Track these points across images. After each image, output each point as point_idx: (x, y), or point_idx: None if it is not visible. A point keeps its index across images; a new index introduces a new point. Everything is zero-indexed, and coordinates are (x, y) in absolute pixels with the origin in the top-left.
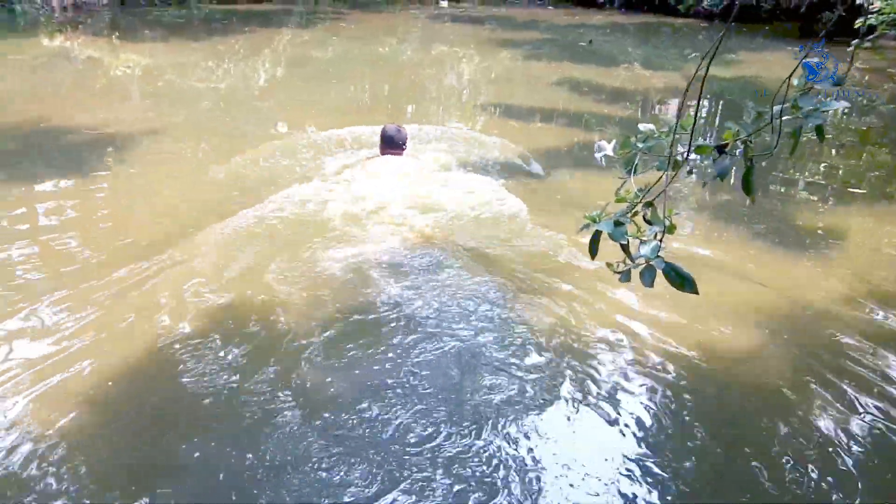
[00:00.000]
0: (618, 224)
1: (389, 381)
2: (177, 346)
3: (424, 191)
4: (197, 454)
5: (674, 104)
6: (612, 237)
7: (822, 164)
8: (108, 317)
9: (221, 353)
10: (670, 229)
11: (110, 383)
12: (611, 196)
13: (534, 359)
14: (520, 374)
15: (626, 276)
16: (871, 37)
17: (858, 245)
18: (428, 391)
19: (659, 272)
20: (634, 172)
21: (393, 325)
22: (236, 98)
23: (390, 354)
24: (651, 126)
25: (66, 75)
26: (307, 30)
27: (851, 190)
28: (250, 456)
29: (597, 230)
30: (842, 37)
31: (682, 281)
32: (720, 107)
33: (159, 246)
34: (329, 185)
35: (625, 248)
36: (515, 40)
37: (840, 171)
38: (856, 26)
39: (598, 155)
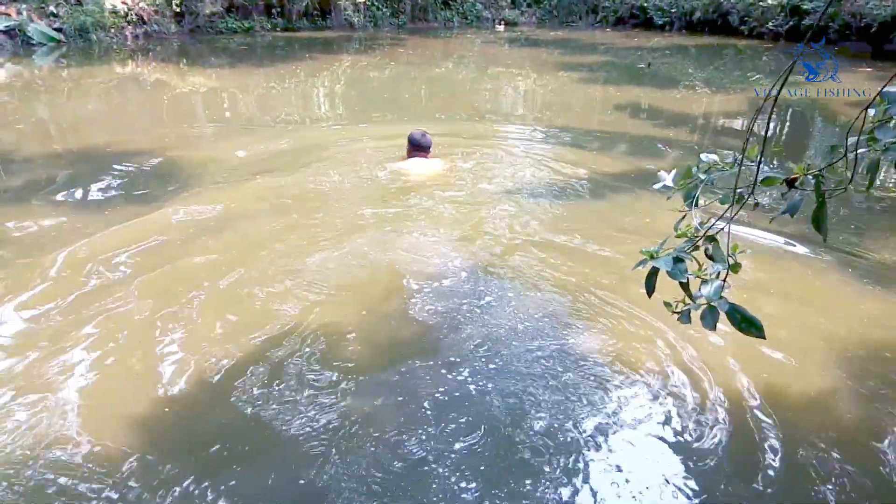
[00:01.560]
0: (677, 261)
1: (427, 401)
2: (220, 369)
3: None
4: (239, 483)
5: (736, 129)
6: (671, 275)
7: (892, 193)
8: (181, 337)
9: (271, 381)
10: (734, 268)
11: (166, 409)
12: (668, 228)
13: (578, 387)
14: (561, 400)
15: (685, 318)
16: None
17: None
18: (467, 421)
19: (722, 314)
20: (695, 205)
21: (433, 340)
22: (297, 120)
23: (430, 373)
24: (714, 156)
25: (136, 101)
26: (366, 55)
27: None
28: (293, 484)
29: (654, 266)
30: (825, 47)
31: (748, 324)
32: (786, 131)
33: (226, 267)
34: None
35: (685, 286)
36: (573, 63)
37: None
38: None
39: (656, 186)
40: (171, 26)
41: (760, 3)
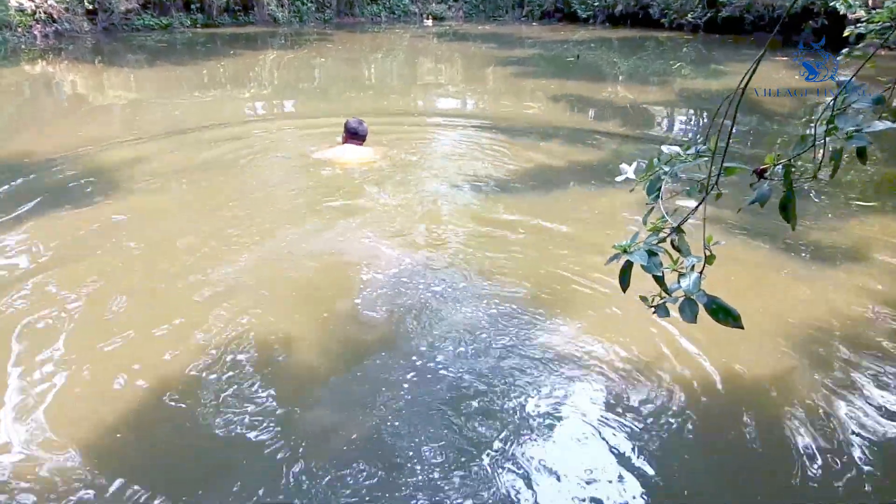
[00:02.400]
0: (651, 254)
1: (391, 402)
2: (187, 377)
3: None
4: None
5: (664, 117)
6: (645, 269)
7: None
8: (117, 352)
9: (224, 393)
10: (710, 260)
11: (117, 434)
12: (605, 216)
13: (546, 377)
14: (532, 389)
15: (663, 311)
16: (860, 45)
17: (872, 259)
18: (440, 422)
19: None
20: (658, 198)
21: (388, 338)
22: (222, 115)
23: (390, 372)
24: (676, 148)
25: (48, 104)
26: (292, 50)
27: (863, 203)
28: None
29: (628, 261)
30: (825, 46)
31: (726, 315)
32: (709, 119)
33: (153, 274)
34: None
35: (660, 280)
36: (503, 57)
37: (854, 185)
38: (845, 35)
39: (619, 178)
40: (83, 24)
41: None
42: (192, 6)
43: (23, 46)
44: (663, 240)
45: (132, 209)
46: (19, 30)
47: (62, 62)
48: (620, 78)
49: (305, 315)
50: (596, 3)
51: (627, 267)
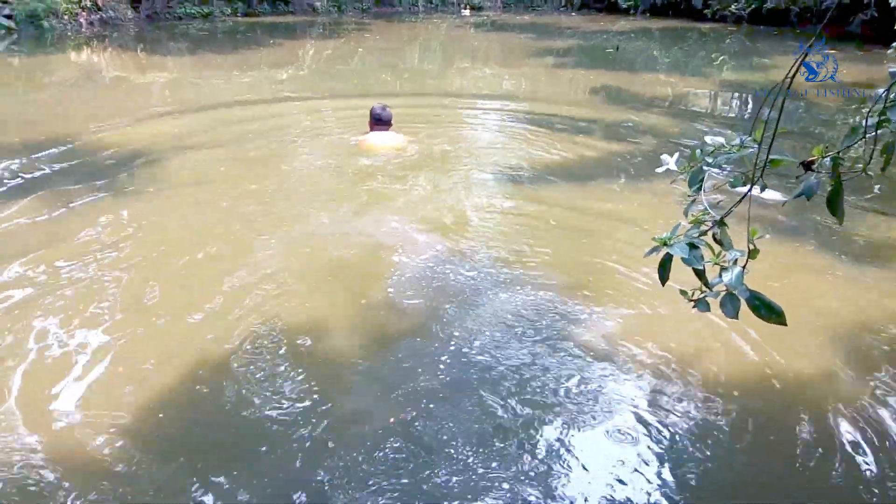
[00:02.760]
0: (692, 247)
1: (424, 389)
2: (221, 365)
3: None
4: (235, 486)
5: (705, 111)
6: (686, 262)
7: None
8: (151, 337)
9: (257, 377)
10: (753, 254)
11: (160, 415)
12: (645, 211)
13: (582, 366)
14: (567, 390)
15: (703, 306)
16: None
17: None
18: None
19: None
20: (701, 190)
21: (421, 325)
22: (262, 101)
23: (424, 360)
24: (719, 139)
25: (93, 91)
26: (331, 39)
27: None
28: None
29: (668, 253)
30: (873, 42)
31: (768, 311)
32: (750, 113)
33: (190, 259)
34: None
35: (701, 274)
36: (541, 48)
37: None
38: None
39: (659, 170)
40: (127, 12)
41: None
42: None
43: (69, 34)
44: (705, 233)
45: (170, 193)
46: (66, 17)
47: (106, 49)
48: (661, 69)
49: (339, 299)
50: None
51: (667, 260)
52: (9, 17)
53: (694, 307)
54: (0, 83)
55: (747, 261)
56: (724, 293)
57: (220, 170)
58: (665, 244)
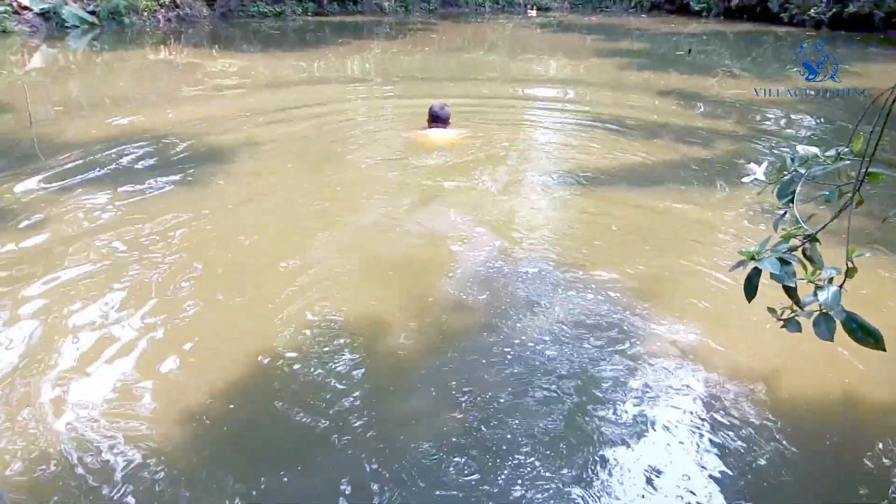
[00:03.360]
0: (783, 263)
1: (479, 388)
2: (276, 362)
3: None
4: (292, 479)
5: (778, 120)
6: (777, 279)
7: None
8: (210, 329)
9: (308, 374)
10: (850, 273)
11: (209, 399)
12: (719, 218)
13: (647, 374)
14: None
15: (794, 326)
16: None
17: None
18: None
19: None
20: (792, 202)
21: (481, 326)
22: (325, 110)
23: (479, 365)
24: (813, 149)
25: (169, 84)
26: (397, 40)
27: None
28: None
29: (755, 269)
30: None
31: (865, 334)
32: (833, 125)
33: (259, 258)
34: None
35: (791, 291)
36: (610, 49)
37: None
38: None
39: (746, 179)
40: (202, 10)
41: None
42: None
43: (147, 30)
44: (795, 248)
45: (236, 187)
46: (145, 14)
47: (182, 45)
48: (735, 74)
49: (398, 296)
50: None
51: (755, 275)
52: (92, 13)
53: (782, 326)
54: (83, 75)
55: (844, 279)
56: (817, 313)
57: (285, 165)
58: (753, 258)
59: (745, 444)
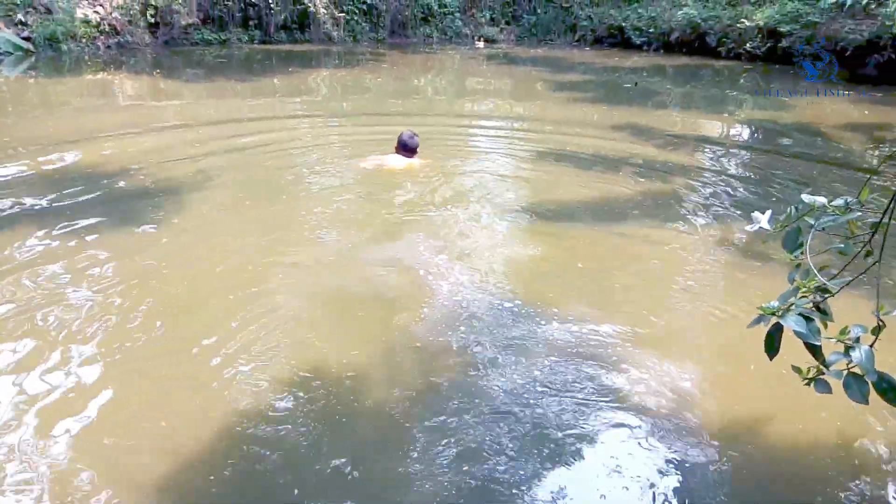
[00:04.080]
0: (807, 319)
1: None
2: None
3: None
4: None
5: (735, 150)
6: (801, 337)
7: None
8: (160, 383)
9: (284, 419)
10: (876, 330)
11: (158, 465)
12: (678, 256)
13: (635, 433)
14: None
15: (822, 386)
16: None
17: None
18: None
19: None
20: (802, 253)
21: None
22: (276, 138)
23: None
24: (820, 199)
25: (109, 116)
26: (346, 68)
27: None
28: None
29: (777, 324)
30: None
31: None
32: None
33: (213, 301)
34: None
35: (817, 350)
36: (558, 81)
37: None
38: None
39: (750, 228)
40: (145, 37)
41: (738, 25)
42: (251, 23)
43: (86, 57)
44: (818, 304)
45: (185, 220)
46: (83, 41)
47: (123, 73)
48: (678, 106)
49: (367, 338)
50: (650, 30)
51: (775, 331)
52: (27, 38)
53: (807, 384)
54: (17, 105)
55: (875, 339)
56: (846, 373)
57: (236, 197)
58: (774, 314)
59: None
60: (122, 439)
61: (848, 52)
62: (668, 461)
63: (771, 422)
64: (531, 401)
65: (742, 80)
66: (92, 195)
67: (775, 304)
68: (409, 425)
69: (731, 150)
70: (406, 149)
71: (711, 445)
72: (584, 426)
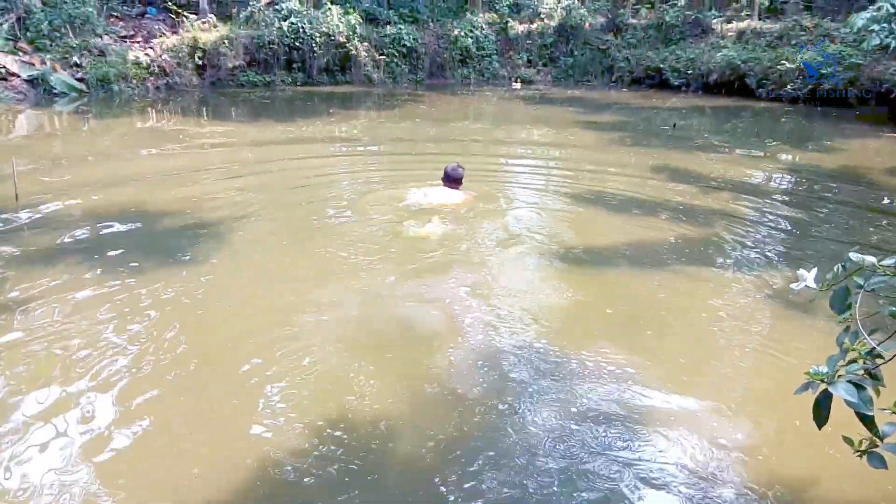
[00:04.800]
0: (859, 388)
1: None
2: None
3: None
4: None
5: (779, 194)
6: (853, 406)
7: None
8: (193, 418)
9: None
10: None
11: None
12: (716, 306)
13: (672, 486)
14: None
15: (877, 460)
16: None
17: None
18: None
19: None
20: (850, 314)
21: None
22: (316, 177)
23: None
24: (870, 258)
25: (156, 155)
26: (385, 109)
27: None
28: None
29: (826, 392)
30: None
31: None
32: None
33: (250, 337)
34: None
35: (870, 422)
36: (595, 122)
37: None
38: None
39: (795, 286)
40: (192, 79)
41: (779, 67)
42: (294, 65)
43: (135, 98)
44: (870, 370)
45: (227, 259)
46: (134, 82)
47: (170, 113)
48: (721, 149)
49: (396, 381)
50: (689, 71)
51: (824, 399)
52: (81, 80)
53: (860, 455)
54: (69, 145)
55: None
56: None
57: (277, 235)
58: (822, 380)
59: None
60: (150, 491)
61: (894, 95)
62: None
63: (815, 486)
64: (566, 455)
65: (783, 122)
66: (137, 236)
67: (823, 369)
68: (439, 480)
69: (772, 196)
70: (450, 180)
71: None
72: (620, 485)
